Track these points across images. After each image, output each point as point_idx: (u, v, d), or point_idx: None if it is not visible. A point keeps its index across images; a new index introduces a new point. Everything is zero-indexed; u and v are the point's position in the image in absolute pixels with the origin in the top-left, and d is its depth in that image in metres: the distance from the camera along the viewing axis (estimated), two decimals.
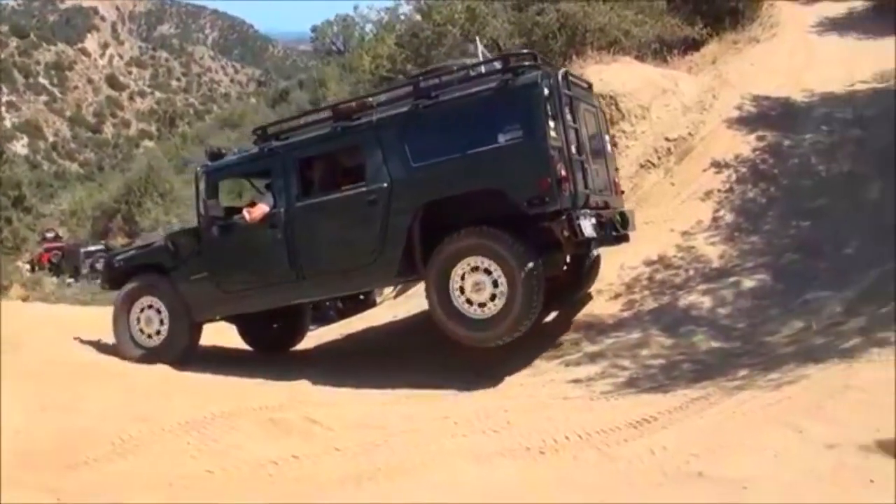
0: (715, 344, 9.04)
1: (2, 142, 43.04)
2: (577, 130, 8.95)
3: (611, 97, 13.58)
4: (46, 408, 7.37)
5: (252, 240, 9.71)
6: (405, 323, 11.97)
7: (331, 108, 10.28)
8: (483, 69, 9.51)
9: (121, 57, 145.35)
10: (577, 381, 8.57)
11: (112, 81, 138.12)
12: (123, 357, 9.92)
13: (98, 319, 11.31)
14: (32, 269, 33.61)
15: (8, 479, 5.78)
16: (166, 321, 10.00)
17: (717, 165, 12.98)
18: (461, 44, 17.69)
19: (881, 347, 7.29)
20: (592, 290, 10.82)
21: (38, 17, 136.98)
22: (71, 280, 33.06)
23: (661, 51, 18.03)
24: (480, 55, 10.47)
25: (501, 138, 8.55)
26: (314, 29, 63.38)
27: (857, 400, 6.08)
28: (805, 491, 4.87)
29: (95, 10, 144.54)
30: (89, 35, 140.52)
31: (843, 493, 4.78)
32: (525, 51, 10.29)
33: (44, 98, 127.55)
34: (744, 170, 12.75)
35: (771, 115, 14.20)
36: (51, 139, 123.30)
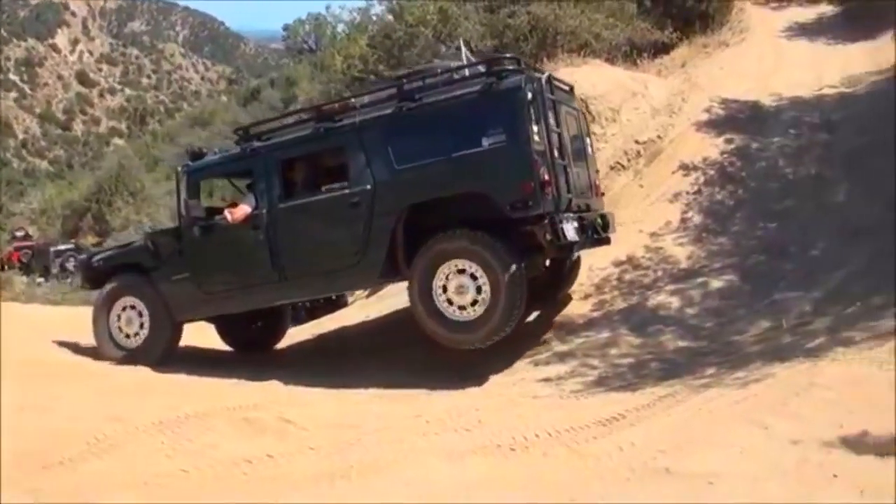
0: (683, 343, 9.17)
1: None
2: (559, 135, 9.01)
3: (581, 100, 13.66)
4: (23, 408, 7.35)
5: (234, 241, 9.66)
6: (377, 323, 12.01)
7: (314, 108, 10.30)
8: (467, 72, 9.50)
9: (91, 53, 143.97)
10: (547, 380, 8.68)
11: (82, 78, 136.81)
12: (104, 357, 9.92)
13: (70, 319, 11.31)
14: (2, 269, 33.22)
15: None
16: (147, 321, 9.96)
17: (686, 168, 13.14)
18: (433, 45, 17.73)
19: (846, 347, 7.39)
20: None
21: (7, 12, 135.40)
22: (41, 279, 32.78)
23: (632, 54, 18.15)
24: (464, 58, 10.44)
25: (485, 142, 8.57)
26: (286, 27, 62.99)
27: (821, 397, 6.15)
28: (769, 485, 4.95)
29: (66, 6, 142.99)
30: (60, 31, 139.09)
31: (807, 487, 4.85)
32: (509, 55, 10.30)
33: (13, 94, 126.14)
34: (712, 172, 12.91)
35: (739, 119, 14.37)
36: (21, 136, 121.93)
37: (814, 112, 14.26)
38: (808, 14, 23.18)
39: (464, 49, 10.77)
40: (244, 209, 9.58)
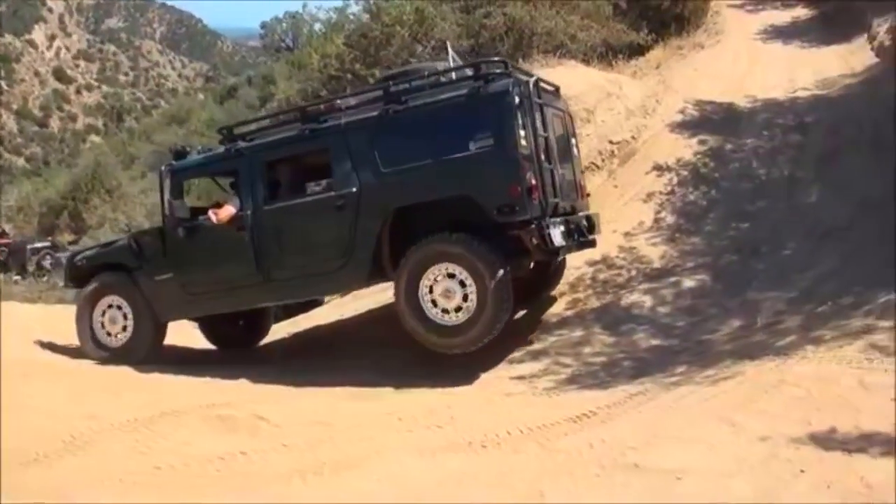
0: (655, 342, 9.25)
1: None
2: (546, 138, 8.98)
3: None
4: None
5: (218, 242, 9.59)
6: (352, 322, 12.03)
7: (299, 109, 10.23)
8: (454, 75, 9.42)
9: (68, 49, 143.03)
10: (520, 377, 8.73)
11: (59, 74, 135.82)
12: (87, 356, 9.90)
13: (47, 317, 11.27)
14: None
15: None
16: (130, 321, 9.93)
17: (660, 168, 13.23)
18: (410, 45, 17.74)
19: (816, 345, 7.49)
20: None
21: None
22: (17, 277, 32.57)
23: (607, 55, 18.20)
24: (451, 60, 10.36)
25: (472, 146, 8.50)
26: (263, 25, 62.80)
27: (790, 395, 6.25)
28: (736, 481, 5.04)
29: (43, 2, 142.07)
30: (36, 27, 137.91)
31: (774, 482, 4.94)
32: (497, 58, 10.29)
33: None
34: (685, 173, 13.01)
35: (713, 120, 14.50)
36: None
37: (787, 114, 14.40)
38: (783, 17, 23.38)
39: (451, 52, 10.70)
40: (229, 210, 9.50)
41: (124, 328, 9.96)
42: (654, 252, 11.28)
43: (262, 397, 8.33)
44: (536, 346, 9.70)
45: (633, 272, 10.97)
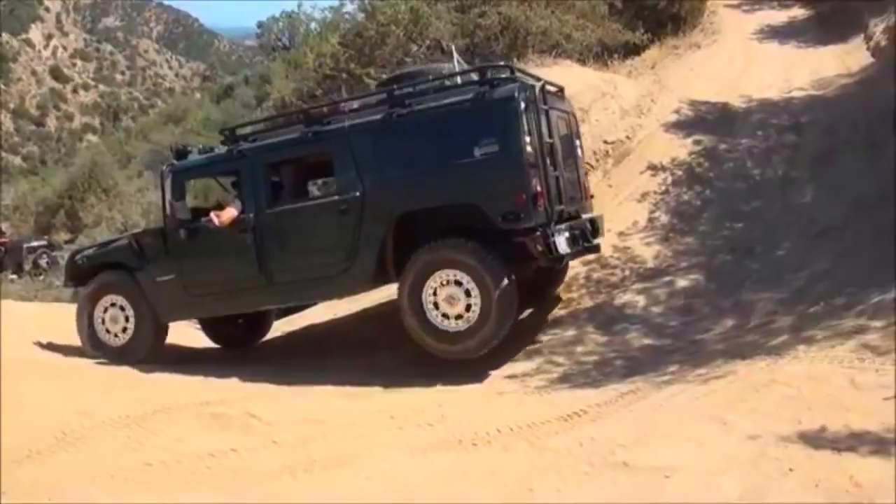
0: (647, 341, 9.26)
1: None
2: (552, 144, 8.88)
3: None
4: None
5: (220, 244, 9.54)
6: (346, 321, 12.02)
7: (302, 111, 10.19)
8: (459, 79, 9.34)
9: (65, 49, 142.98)
10: (512, 376, 8.74)
11: (56, 73, 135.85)
12: (88, 354, 9.87)
13: (43, 315, 11.26)
14: None
15: None
16: (132, 320, 9.88)
17: (654, 168, 13.23)
18: (405, 44, 17.72)
19: (808, 345, 7.50)
20: None
21: None
22: (14, 276, 32.53)
23: (602, 55, 18.16)
24: (456, 64, 10.21)
25: (477, 151, 8.40)
26: (260, 24, 62.66)
27: (781, 394, 6.27)
28: (725, 478, 5.05)
29: (40, 1, 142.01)
30: (33, 26, 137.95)
31: (762, 480, 4.95)
32: (502, 63, 10.21)
33: None
34: (680, 173, 13.00)
35: (708, 120, 14.49)
36: None
37: (782, 114, 14.40)
38: (779, 17, 23.38)
39: (455, 55, 10.62)
40: (231, 212, 9.43)
41: (125, 328, 9.93)
42: (648, 252, 11.28)
43: (255, 395, 8.33)
44: (529, 345, 9.69)
45: (627, 272, 10.97)
